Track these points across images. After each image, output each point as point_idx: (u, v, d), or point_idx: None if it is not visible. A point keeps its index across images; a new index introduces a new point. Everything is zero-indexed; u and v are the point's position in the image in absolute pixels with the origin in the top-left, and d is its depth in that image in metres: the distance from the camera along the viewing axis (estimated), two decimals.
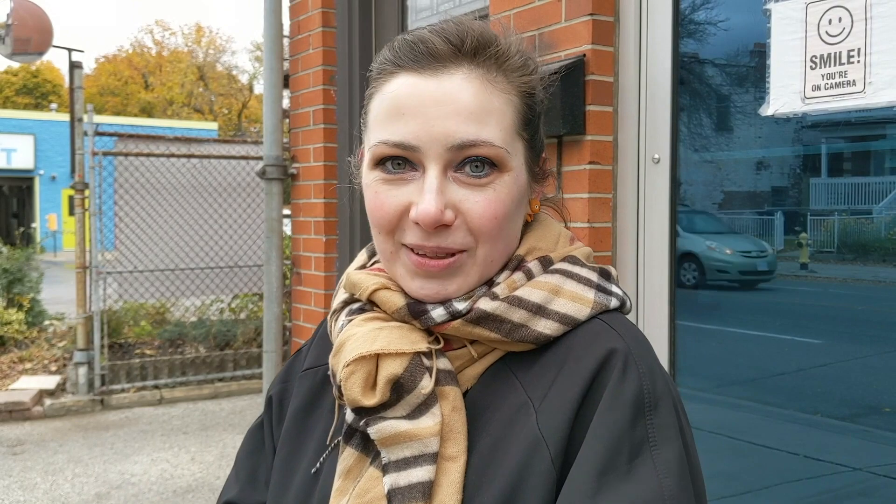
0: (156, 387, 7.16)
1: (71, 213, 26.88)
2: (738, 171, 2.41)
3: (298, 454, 0.94)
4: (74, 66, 7.01)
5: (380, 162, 0.83)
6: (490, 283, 0.85)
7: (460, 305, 0.82)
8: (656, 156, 2.28)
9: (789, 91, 1.93)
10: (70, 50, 15.89)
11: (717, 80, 2.42)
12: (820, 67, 1.86)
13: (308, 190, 4.14)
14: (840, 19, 1.83)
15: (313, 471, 0.90)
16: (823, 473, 2.15)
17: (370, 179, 0.85)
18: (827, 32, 1.85)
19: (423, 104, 0.80)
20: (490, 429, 0.81)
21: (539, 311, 0.81)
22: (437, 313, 0.82)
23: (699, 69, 2.40)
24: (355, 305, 0.89)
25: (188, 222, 7.26)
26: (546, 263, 0.87)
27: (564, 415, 0.77)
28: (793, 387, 2.24)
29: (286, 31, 4.31)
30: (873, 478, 2.04)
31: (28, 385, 6.91)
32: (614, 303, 0.86)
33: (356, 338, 0.82)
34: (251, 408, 6.87)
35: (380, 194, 0.83)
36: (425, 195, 0.79)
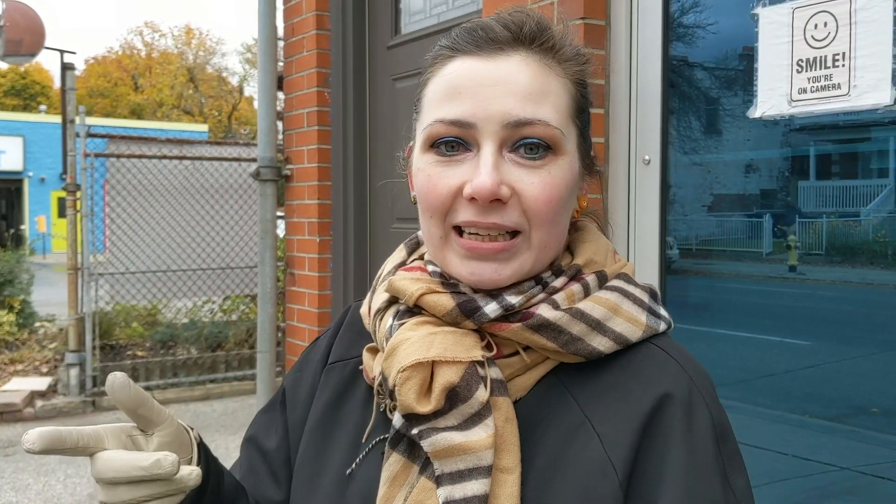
0: (147, 388, 7.14)
1: (61, 214, 26.81)
2: (728, 173, 2.45)
3: (329, 451, 0.92)
4: (67, 68, 7.01)
5: (434, 144, 0.83)
6: (542, 283, 0.84)
7: (513, 299, 0.81)
8: (647, 157, 2.32)
9: (776, 94, 1.97)
10: (62, 51, 15.83)
11: (707, 83, 2.46)
12: (806, 71, 1.91)
13: (302, 191, 4.17)
14: (825, 24, 1.87)
15: (348, 472, 0.88)
16: (812, 473, 2.17)
17: (423, 163, 0.84)
18: (813, 37, 1.90)
19: (480, 84, 0.80)
20: (546, 444, 0.80)
21: (597, 326, 0.81)
22: (491, 308, 0.80)
23: (689, 72, 2.44)
24: (403, 307, 0.86)
25: (180, 224, 7.26)
26: (602, 279, 0.87)
27: (630, 441, 0.77)
28: (781, 388, 2.25)
29: (280, 33, 4.33)
30: (860, 477, 2.06)
31: (19, 386, 6.89)
32: (663, 327, 0.86)
33: (410, 342, 0.80)
34: (243, 409, 6.87)
35: (433, 176, 0.82)
36: (481, 169, 0.79)
